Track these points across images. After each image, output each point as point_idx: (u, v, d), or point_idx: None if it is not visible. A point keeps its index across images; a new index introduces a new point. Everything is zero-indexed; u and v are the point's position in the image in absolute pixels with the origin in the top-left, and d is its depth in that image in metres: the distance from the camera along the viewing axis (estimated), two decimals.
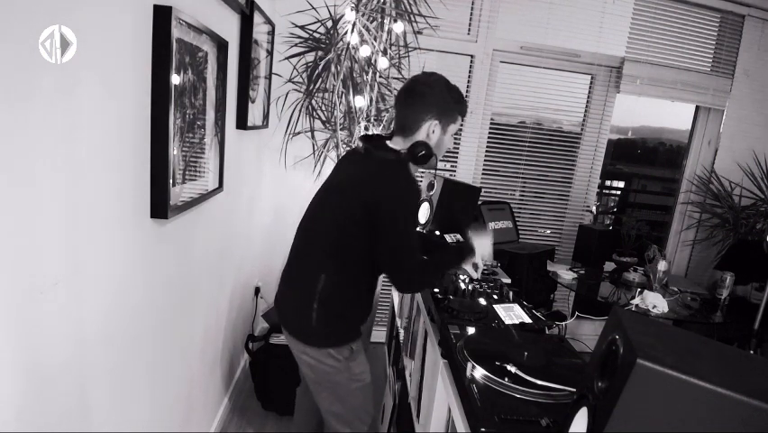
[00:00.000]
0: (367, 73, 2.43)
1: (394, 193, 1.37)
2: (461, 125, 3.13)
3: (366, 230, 1.38)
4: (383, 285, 3.07)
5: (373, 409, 1.66)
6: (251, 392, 2.55)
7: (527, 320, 1.38)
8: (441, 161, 1.65)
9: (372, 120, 2.54)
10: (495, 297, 1.56)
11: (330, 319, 1.47)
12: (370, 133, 1.62)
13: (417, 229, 2.11)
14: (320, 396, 1.58)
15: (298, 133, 2.61)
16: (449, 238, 2.15)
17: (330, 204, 1.50)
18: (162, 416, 1.55)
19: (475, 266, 1.66)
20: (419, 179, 2.43)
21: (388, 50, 2.49)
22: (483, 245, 1.62)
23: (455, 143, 3.20)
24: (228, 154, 1.91)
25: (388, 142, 1.51)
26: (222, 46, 1.66)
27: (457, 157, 3.25)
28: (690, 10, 3.22)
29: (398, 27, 2.45)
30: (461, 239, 2.19)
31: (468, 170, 3.26)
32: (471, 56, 3.10)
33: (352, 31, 2.33)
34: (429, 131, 1.47)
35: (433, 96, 1.45)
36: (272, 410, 2.48)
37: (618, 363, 0.67)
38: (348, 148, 2.58)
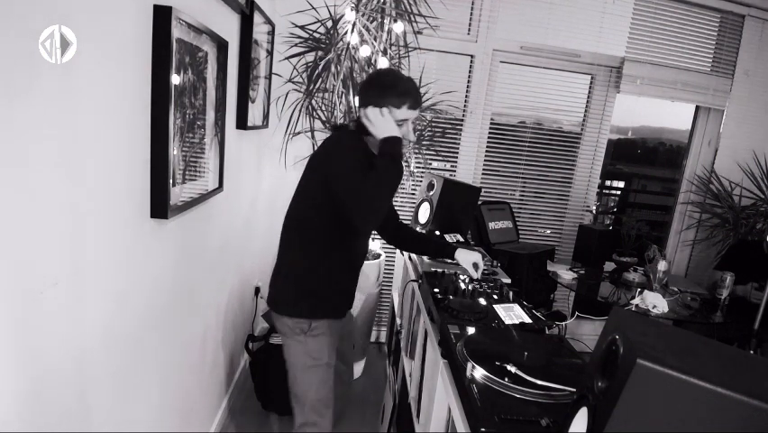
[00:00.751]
0: (367, 73, 2.43)
1: (332, 154, 1.48)
2: (458, 136, 3.14)
3: (322, 200, 1.47)
4: (383, 286, 3.07)
5: (332, 401, 1.66)
6: (251, 392, 2.55)
7: (527, 320, 1.38)
8: (440, 160, 1.66)
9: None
10: (495, 297, 1.56)
11: (293, 288, 1.58)
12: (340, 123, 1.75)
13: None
14: (287, 362, 1.65)
15: (298, 133, 2.61)
16: (449, 238, 2.15)
17: (298, 186, 1.61)
18: (162, 416, 1.55)
19: (475, 266, 1.67)
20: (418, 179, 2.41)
21: (388, 50, 2.49)
22: (471, 255, 1.68)
23: (455, 143, 3.20)
24: (228, 154, 1.91)
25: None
26: (222, 46, 1.66)
27: (457, 157, 3.25)
28: (690, 10, 3.22)
29: (398, 27, 2.45)
30: (461, 239, 2.19)
31: (468, 170, 3.26)
32: (471, 56, 3.10)
33: (352, 31, 2.33)
34: (363, 117, 1.51)
35: (364, 91, 1.54)
36: (272, 410, 2.48)
37: (618, 363, 0.67)
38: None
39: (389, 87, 1.50)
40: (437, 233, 2.18)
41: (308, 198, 1.54)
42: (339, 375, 1.80)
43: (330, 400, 1.65)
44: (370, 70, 2.42)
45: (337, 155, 1.47)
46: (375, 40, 2.39)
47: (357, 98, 1.58)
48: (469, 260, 1.68)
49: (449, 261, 1.80)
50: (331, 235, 1.55)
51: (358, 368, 2.86)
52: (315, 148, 2.63)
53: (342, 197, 1.40)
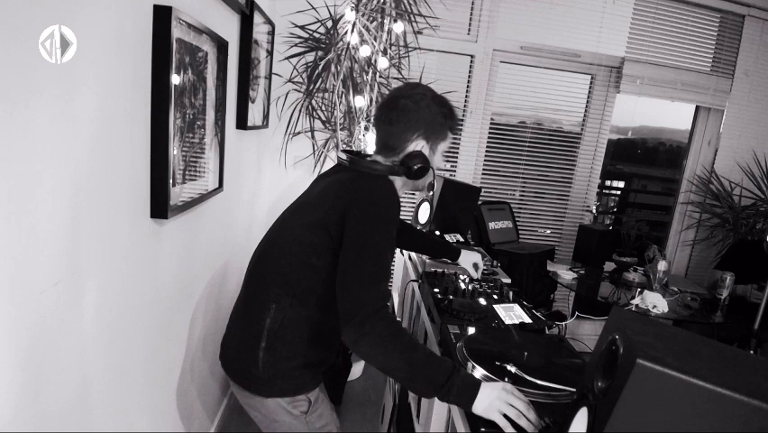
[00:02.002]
0: (367, 73, 2.43)
1: (368, 199, 1.12)
2: (458, 137, 3.13)
3: (332, 253, 1.13)
4: None
5: None
6: None
7: (527, 320, 1.38)
8: (441, 169, 1.47)
9: (372, 120, 2.54)
10: (495, 297, 1.56)
11: (280, 362, 1.19)
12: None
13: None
14: None
15: (298, 133, 2.62)
16: (449, 238, 2.15)
17: (293, 222, 1.25)
18: (162, 416, 1.55)
19: (475, 266, 1.66)
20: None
21: (388, 50, 2.49)
22: (471, 255, 1.59)
23: (455, 143, 3.20)
24: (228, 154, 1.91)
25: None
26: (222, 46, 1.66)
27: (457, 157, 3.25)
28: (690, 10, 3.22)
29: (398, 27, 2.45)
30: (461, 239, 2.19)
31: (468, 170, 3.26)
32: (471, 56, 3.11)
33: (352, 31, 2.33)
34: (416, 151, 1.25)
35: (418, 112, 1.22)
36: None
37: (618, 363, 0.67)
38: (347, 148, 2.58)
39: (448, 116, 1.26)
40: (437, 233, 2.18)
41: (313, 245, 1.16)
42: None
43: None
44: (371, 70, 2.42)
45: (369, 206, 1.12)
46: (375, 40, 2.39)
47: (401, 121, 1.23)
48: (469, 260, 1.66)
49: (449, 261, 1.80)
50: (332, 287, 1.11)
51: (358, 368, 2.86)
52: (316, 148, 2.65)
53: (341, 280, 1.06)
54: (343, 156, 1.30)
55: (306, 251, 1.17)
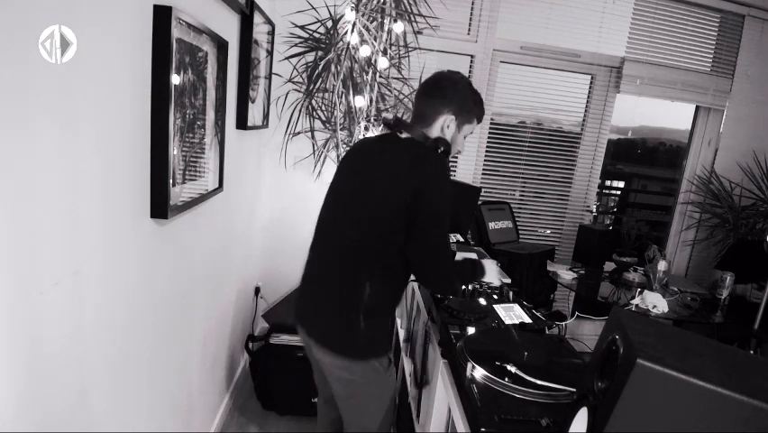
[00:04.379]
0: (367, 73, 2.43)
1: (438, 184, 1.31)
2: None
3: (407, 223, 1.29)
4: None
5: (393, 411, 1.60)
6: (251, 392, 2.55)
7: (527, 320, 1.38)
8: (461, 153, 1.60)
9: (372, 120, 2.54)
10: (495, 297, 1.56)
11: (375, 329, 1.40)
12: (399, 117, 1.57)
13: None
14: (350, 409, 1.49)
15: (298, 133, 2.62)
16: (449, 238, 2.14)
17: (369, 203, 1.36)
18: (162, 416, 1.55)
19: (502, 274, 1.68)
20: None
21: (388, 50, 2.49)
22: (492, 270, 1.61)
23: None
24: (228, 154, 1.91)
25: (400, 133, 1.46)
26: (222, 46, 1.66)
27: (457, 157, 3.25)
28: (690, 10, 3.22)
29: (398, 27, 2.45)
30: (461, 239, 2.19)
31: (468, 170, 3.26)
32: (471, 56, 3.10)
33: (352, 31, 2.33)
34: (444, 125, 1.43)
35: (455, 93, 1.43)
36: (272, 410, 2.48)
37: (618, 363, 0.67)
38: (347, 148, 2.58)
39: (478, 104, 1.49)
40: None
41: (396, 220, 1.30)
42: None
43: (392, 412, 1.58)
44: (371, 70, 2.42)
45: (440, 190, 1.31)
46: (375, 40, 2.39)
47: (438, 96, 1.43)
48: (494, 270, 1.62)
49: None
50: (404, 260, 1.35)
51: None
52: (316, 148, 2.65)
53: (424, 254, 1.31)
54: (390, 122, 1.49)
55: (389, 229, 1.31)
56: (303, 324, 1.48)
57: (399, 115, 2.45)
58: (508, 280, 1.68)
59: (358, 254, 1.36)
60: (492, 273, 1.56)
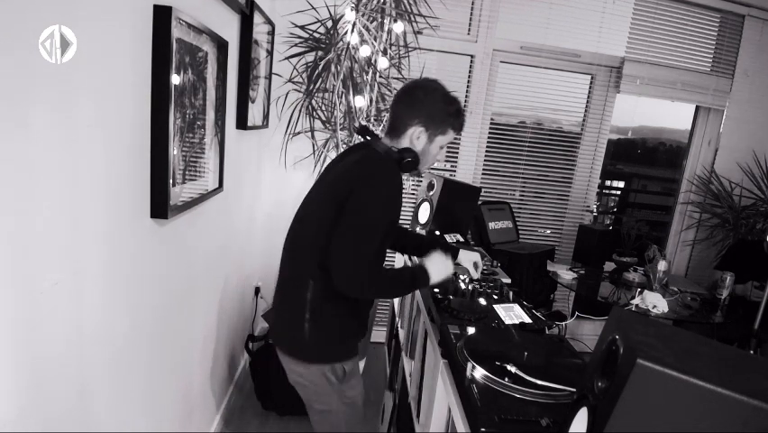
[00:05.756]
0: (367, 73, 2.43)
1: (374, 189, 1.26)
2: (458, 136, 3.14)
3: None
4: None
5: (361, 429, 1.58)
6: (251, 392, 2.55)
7: (527, 320, 1.38)
8: (440, 162, 1.62)
9: (372, 120, 2.54)
10: (495, 297, 1.56)
11: (323, 332, 1.37)
12: (367, 126, 1.54)
13: (417, 230, 2.08)
14: (311, 418, 1.50)
15: (298, 133, 2.62)
16: (449, 238, 2.14)
17: (317, 202, 1.39)
18: (162, 416, 1.55)
19: (475, 265, 1.66)
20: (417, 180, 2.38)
21: (388, 50, 2.49)
22: (471, 255, 1.57)
23: (455, 143, 3.20)
24: (228, 154, 1.91)
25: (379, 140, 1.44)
26: (222, 46, 1.66)
27: (457, 157, 3.25)
28: (690, 10, 3.22)
29: (398, 27, 2.45)
30: (461, 239, 2.19)
31: (468, 170, 3.26)
32: (471, 56, 3.10)
33: (352, 31, 2.33)
34: (413, 137, 1.38)
35: (425, 103, 1.36)
36: (272, 410, 2.48)
37: (618, 363, 0.67)
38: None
39: (454, 114, 1.39)
40: (437, 233, 2.18)
41: (329, 225, 1.28)
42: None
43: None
44: (371, 70, 2.42)
45: (371, 187, 1.26)
46: (375, 40, 2.39)
47: (408, 107, 1.38)
48: (469, 259, 1.66)
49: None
50: None
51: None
52: (316, 148, 2.65)
53: (337, 248, 1.23)
54: (358, 135, 1.47)
55: (331, 227, 1.26)
56: (271, 325, 1.53)
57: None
58: (476, 275, 1.64)
59: (301, 254, 1.37)
60: (441, 272, 1.41)
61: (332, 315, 1.36)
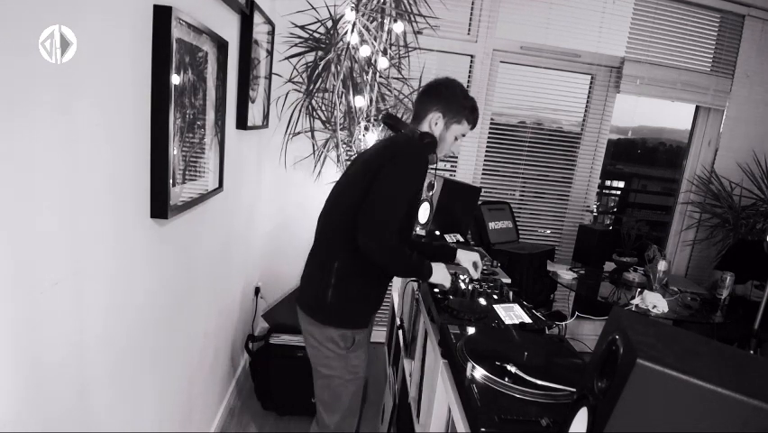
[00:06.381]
0: (367, 73, 2.43)
1: (399, 165, 1.41)
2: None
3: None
4: None
5: (359, 408, 1.67)
6: (251, 392, 2.55)
7: (527, 320, 1.38)
8: (441, 160, 1.67)
9: (372, 120, 2.54)
10: (495, 297, 1.56)
11: (344, 298, 1.49)
12: (392, 113, 1.75)
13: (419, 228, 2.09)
14: (316, 380, 1.61)
15: (298, 133, 2.62)
16: (449, 238, 2.15)
17: (348, 181, 1.54)
18: (162, 416, 1.55)
19: (475, 265, 1.67)
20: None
21: (388, 50, 2.49)
22: (442, 276, 1.58)
23: None
24: (228, 154, 1.91)
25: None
26: (222, 46, 1.66)
27: (457, 157, 3.25)
28: (690, 10, 3.22)
29: (398, 27, 2.45)
30: (461, 239, 2.19)
31: (468, 170, 3.26)
32: (471, 56, 3.10)
33: (352, 31, 2.33)
34: (432, 121, 1.55)
35: (445, 93, 1.55)
36: (272, 410, 2.48)
37: (618, 363, 0.67)
38: (348, 148, 2.58)
39: (469, 108, 1.57)
40: (437, 233, 2.18)
41: (359, 202, 1.41)
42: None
43: (358, 409, 1.65)
44: (371, 70, 2.42)
45: (399, 163, 1.42)
46: (375, 40, 2.39)
47: (429, 96, 1.57)
48: (468, 258, 1.68)
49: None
50: None
51: None
52: (316, 148, 2.65)
53: (365, 214, 1.37)
54: (383, 123, 1.67)
55: (360, 201, 1.40)
56: (300, 290, 1.62)
57: (399, 115, 2.49)
58: (476, 275, 1.65)
59: (334, 234, 1.51)
60: (441, 277, 1.52)
61: (353, 286, 1.50)
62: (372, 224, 1.36)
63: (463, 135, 1.61)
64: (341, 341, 1.51)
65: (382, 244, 1.37)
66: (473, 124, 1.61)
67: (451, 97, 1.55)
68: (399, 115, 2.44)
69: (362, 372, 1.60)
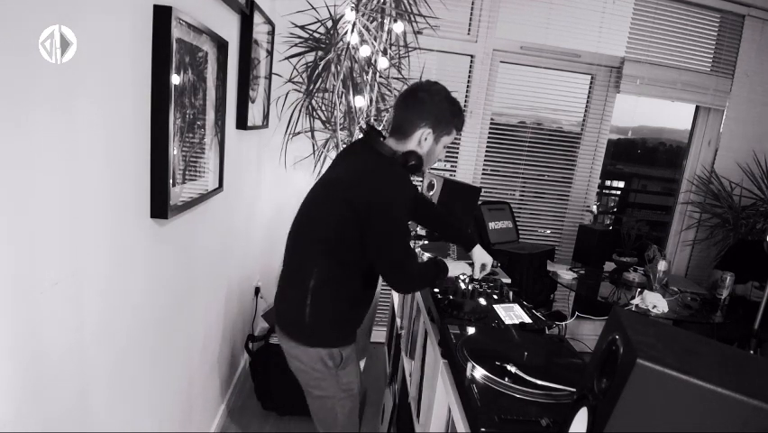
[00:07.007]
0: (367, 73, 2.43)
1: (388, 198, 1.34)
2: (458, 136, 3.15)
3: (358, 228, 1.34)
4: (383, 286, 3.07)
5: (358, 422, 1.64)
6: (251, 392, 2.55)
7: (527, 320, 1.38)
8: (440, 160, 1.65)
9: (372, 120, 2.54)
10: (495, 297, 1.56)
11: (322, 317, 1.43)
12: (373, 124, 1.63)
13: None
14: (310, 404, 1.56)
15: (298, 133, 2.62)
16: None
17: (323, 198, 1.46)
18: (162, 416, 1.55)
19: (483, 266, 1.67)
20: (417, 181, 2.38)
21: (388, 50, 2.49)
22: (485, 256, 1.66)
23: (455, 143, 3.20)
24: (228, 154, 1.91)
25: (383, 140, 1.49)
26: (222, 46, 1.66)
27: (457, 157, 3.25)
28: (690, 10, 3.22)
29: (398, 27, 2.45)
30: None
31: (468, 170, 3.26)
32: (471, 56, 3.10)
33: (352, 31, 2.33)
34: (421, 138, 1.44)
35: (431, 105, 1.42)
36: (272, 410, 2.48)
37: (618, 363, 0.67)
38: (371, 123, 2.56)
39: (456, 115, 1.47)
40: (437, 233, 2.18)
41: (340, 222, 1.37)
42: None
43: (357, 424, 1.61)
44: (371, 70, 2.42)
45: (388, 203, 1.34)
46: (375, 40, 2.39)
47: (415, 109, 1.43)
48: (481, 258, 1.67)
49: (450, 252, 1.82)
50: (366, 259, 1.41)
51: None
52: (316, 148, 2.65)
53: (386, 264, 1.39)
54: (363, 133, 1.55)
55: (337, 222, 1.37)
56: (275, 309, 1.57)
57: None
58: (477, 275, 1.68)
59: (306, 244, 1.46)
60: (459, 269, 1.61)
61: (331, 301, 1.44)
62: (391, 266, 1.39)
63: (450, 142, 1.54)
64: (328, 360, 1.45)
65: (408, 278, 1.41)
66: (461, 128, 1.53)
67: (438, 109, 1.43)
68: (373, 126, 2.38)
69: (357, 387, 1.55)
